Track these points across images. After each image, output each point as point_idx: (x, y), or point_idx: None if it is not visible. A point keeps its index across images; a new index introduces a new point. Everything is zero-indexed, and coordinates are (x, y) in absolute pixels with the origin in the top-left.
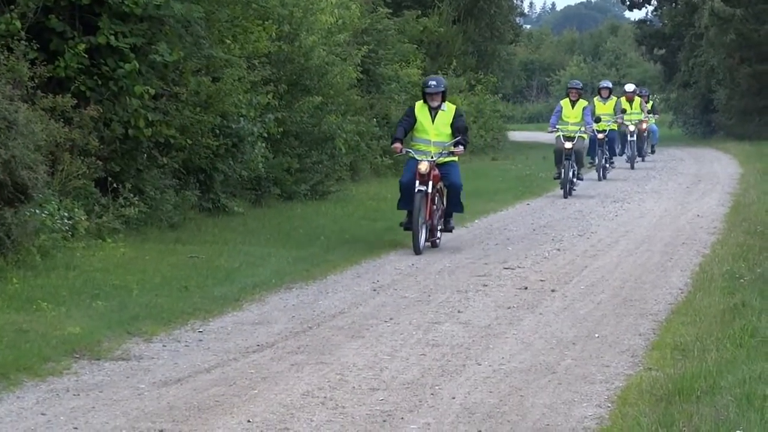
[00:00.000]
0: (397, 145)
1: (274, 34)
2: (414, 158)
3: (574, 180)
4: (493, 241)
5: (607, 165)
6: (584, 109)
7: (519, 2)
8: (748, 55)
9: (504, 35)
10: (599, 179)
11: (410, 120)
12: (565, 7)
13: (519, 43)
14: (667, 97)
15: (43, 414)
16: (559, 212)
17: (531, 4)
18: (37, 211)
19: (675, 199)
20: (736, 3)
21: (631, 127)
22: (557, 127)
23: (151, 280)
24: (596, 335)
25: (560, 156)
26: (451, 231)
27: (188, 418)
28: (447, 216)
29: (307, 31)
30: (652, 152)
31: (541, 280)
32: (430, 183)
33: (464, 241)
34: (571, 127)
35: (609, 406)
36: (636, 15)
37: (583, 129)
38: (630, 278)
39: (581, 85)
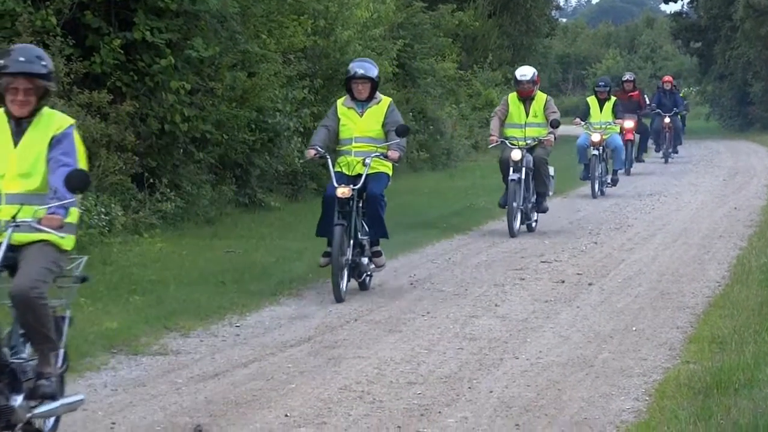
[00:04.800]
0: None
1: (309, 28)
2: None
3: None
4: (529, 235)
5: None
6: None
7: None
8: None
9: (540, 29)
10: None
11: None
12: (600, 0)
13: (555, 36)
14: (703, 90)
15: (82, 409)
16: (595, 205)
17: None
18: None
19: (712, 192)
20: None
21: (515, 154)
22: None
23: (188, 275)
24: (634, 328)
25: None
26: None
27: (226, 412)
28: None
29: (342, 25)
30: (613, 183)
31: (578, 274)
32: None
33: (501, 235)
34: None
35: (647, 400)
36: (672, 8)
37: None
38: (667, 271)
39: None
